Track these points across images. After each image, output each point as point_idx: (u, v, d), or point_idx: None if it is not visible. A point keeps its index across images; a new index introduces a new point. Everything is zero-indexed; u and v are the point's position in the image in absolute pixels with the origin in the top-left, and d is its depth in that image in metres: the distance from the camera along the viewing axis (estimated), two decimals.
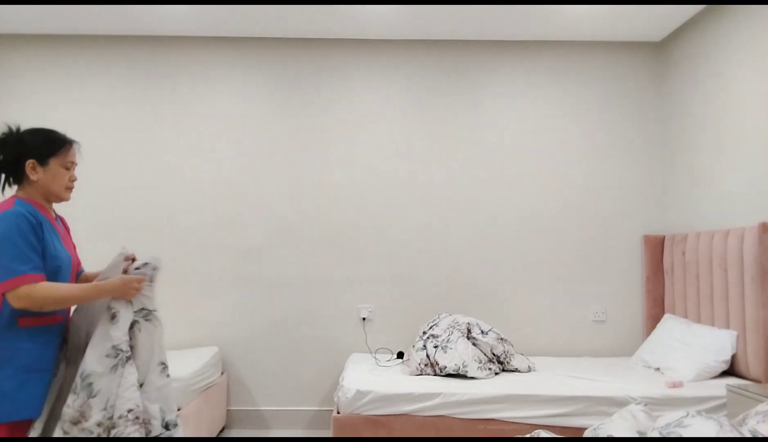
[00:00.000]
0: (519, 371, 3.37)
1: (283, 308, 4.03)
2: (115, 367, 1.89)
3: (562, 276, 4.08)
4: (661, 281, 4.00)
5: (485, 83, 4.16)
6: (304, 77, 4.14)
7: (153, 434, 1.93)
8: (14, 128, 1.97)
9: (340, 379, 3.28)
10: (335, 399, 3.18)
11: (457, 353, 3.23)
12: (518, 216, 4.10)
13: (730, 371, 3.24)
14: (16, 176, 1.96)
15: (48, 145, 1.96)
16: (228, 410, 3.98)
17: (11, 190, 1.98)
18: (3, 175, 1.96)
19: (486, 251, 4.08)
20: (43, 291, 1.82)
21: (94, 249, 4.03)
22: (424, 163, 4.12)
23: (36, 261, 1.84)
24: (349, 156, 4.11)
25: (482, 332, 3.40)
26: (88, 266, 4.14)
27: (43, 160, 1.95)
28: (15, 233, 1.82)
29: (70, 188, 2.04)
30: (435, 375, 3.24)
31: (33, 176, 1.93)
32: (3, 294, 1.81)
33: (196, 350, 3.82)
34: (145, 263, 2.05)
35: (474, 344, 3.35)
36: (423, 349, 3.34)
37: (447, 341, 3.31)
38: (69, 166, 2.02)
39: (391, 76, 4.16)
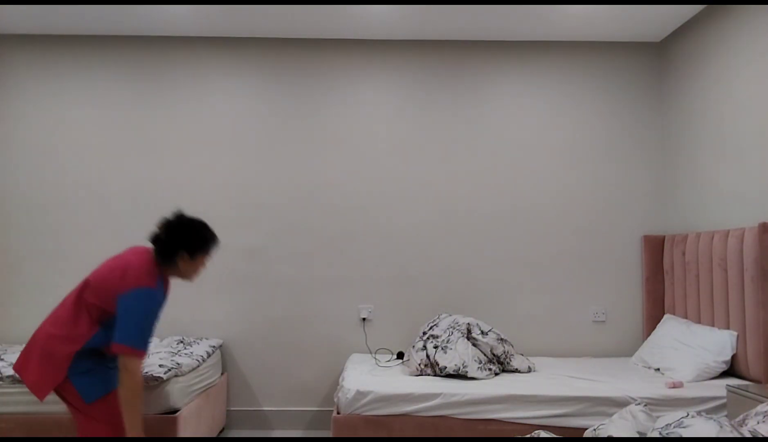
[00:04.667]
0: (519, 372, 3.37)
1: (283, 308, 4.03)
2: None
3: (562, 276, 4.07)
4: (661, 281, 4.00)
5: (485, 84, 4.16)
6: (304, 77, 4.14)
7: None
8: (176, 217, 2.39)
9: (340, 379, 3.27)
10: (335, 399, 3.18)
11: (457, 354, 3.23)
12: (518, 216, 4.10)
13: (730, 371, 3.24)
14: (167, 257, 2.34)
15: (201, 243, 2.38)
16: (228, 410, 3.98)
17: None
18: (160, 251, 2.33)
19: (486, 251, 4.08)
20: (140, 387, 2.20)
21: (95, 249, 4.03)
22: (423, 163, 4.12)
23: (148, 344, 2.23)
24: (349, 156, 4.11)
25: (482, 332, 3.39)
26: (85, 264, 4.16)
27: (193, 255, 2.37)
28: (151, 312, 2.21)
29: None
30: (435, 375, 3.24)
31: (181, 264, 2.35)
32: (117, 351, 2.17)
33: None
34: None
35: (474, 345, 3.35)
36: (423, 349, 3.34)
37: (447, 342, 3.31)
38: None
39: (391, 76, 4.16)
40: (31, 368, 2.24)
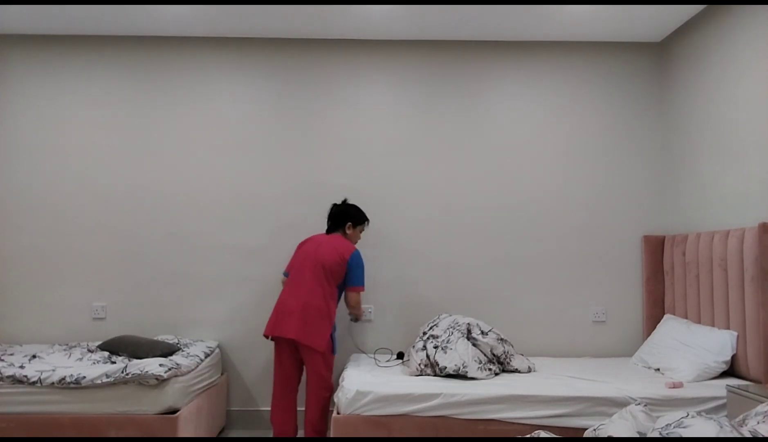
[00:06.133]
0: (519, 372, 3.37)
1: None
2: None
3: (563, 276, 4.08)
4: (661, 281, 4.00)
5: (485, 84, 4.16)
6: (304, 78, 4.14)
7: None
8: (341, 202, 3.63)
9: (340, 379, 3.28)
10: (335, 400, 3.18)
11: (457, 354, 3.23)
12: (518, 216, 4.10)
13: (730, 371, 3.24)
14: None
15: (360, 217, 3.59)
16: (228, 410, 3.98)
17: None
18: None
19: (486, 251, 4.08)
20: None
21: (95, 249, 4.03)
22: (424, 163, 4.12)
23: None
24: (349, 156, 4.11)
25: (482, 332, 3.39)
26: (84, 264, 4.16)
27: (354, 226, 3.58)
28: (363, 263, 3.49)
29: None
30: (435, 376, 3.24)
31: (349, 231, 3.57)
32: (352, 292, 3.44)
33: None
34: None
35: (474, 345, 3.35)
36: (423, 349, 3.33)
37: (447, 342, 3.31)
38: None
39: (391, 76, 4.16)
40: (315, 331, 3.26)
